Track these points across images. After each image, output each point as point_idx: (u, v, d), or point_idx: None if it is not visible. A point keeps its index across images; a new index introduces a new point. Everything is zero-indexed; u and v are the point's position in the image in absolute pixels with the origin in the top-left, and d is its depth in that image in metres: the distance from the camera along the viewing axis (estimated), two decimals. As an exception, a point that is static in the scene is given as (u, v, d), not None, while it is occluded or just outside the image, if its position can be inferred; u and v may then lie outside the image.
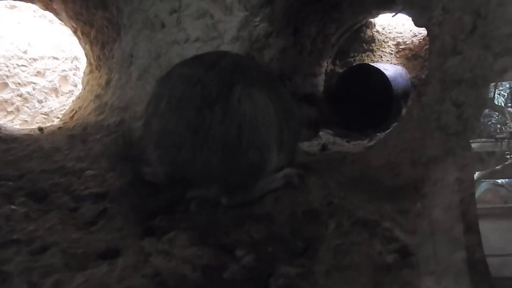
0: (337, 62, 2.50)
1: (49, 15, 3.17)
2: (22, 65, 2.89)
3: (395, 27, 2.59)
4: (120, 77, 2.01)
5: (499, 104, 2.56)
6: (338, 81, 2.36)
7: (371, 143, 1.82)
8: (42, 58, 2.98)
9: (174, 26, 1.80)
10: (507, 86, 2.61)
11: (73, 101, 3.00)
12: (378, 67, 2.22)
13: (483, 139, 1.90)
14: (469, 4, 1.02)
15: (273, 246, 0.98)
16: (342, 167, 1.42)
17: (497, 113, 2.35)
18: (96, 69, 2.33)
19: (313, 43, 2.26)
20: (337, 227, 0.99)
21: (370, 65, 2.29)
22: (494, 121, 2.30)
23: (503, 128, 2.37)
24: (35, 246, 0.89)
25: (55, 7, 2.26)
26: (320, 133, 2.10)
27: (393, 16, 2.03)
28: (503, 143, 2.26)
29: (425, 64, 2.31)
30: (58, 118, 2.96)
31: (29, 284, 0.74)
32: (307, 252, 0.97)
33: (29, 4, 3.04)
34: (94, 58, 2.33)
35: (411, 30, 2.53)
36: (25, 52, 2.92)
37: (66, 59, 3.09)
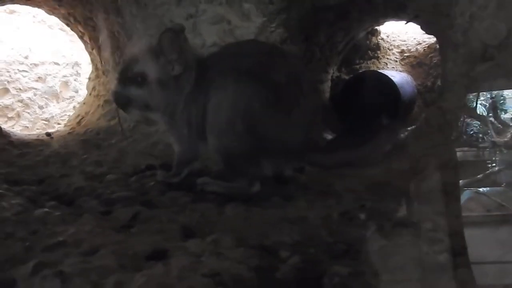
0: (343, 69, 2.53)
1: (49, 20, 3.16)
2: (23, 71, 2.86)
3: (399, 35, 2.64)
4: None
5: (481, 114, 2.64)
6: (344, 87, 2.39)
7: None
8: (43, 63, 2.96)
9: (190, 31, 1.80)
10: (488, 96, 2.70)
11: (74, 106, 2.99)
12: (385, 74, 2.26)
13: (465, 148, 1.94)
14: (501, 12, 1.05)
15: (314, 248, 0.99)
16: (365, 171, 1.44)
17: (478, 123, 2.42)
18: (104, 74, 2.32)
19: (322, 50, 2.29)
20: (378, 229, 1.00)
21: (377, 71, 2.33)
22: (476, 131, 2.36)
23: (485, 137, 2.43)
24: (83, 248, 0.87)
25: (62, 12, 2.25)
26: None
27: (405, 23, 2.07)
28: (485, 152, 2.33)
29: (430, 72, 2.36)
30: (58, 124, 2.93)
31: (92, 284, 0.73)
32: (348, 254, 0.97)
33: (29, 9, 3.04)
34: (101, 63, 2.32)
35: (414, 38, 2.59)
36: (26, 57, 2.89)
37: (67, 64, 3.07)
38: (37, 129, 2.86)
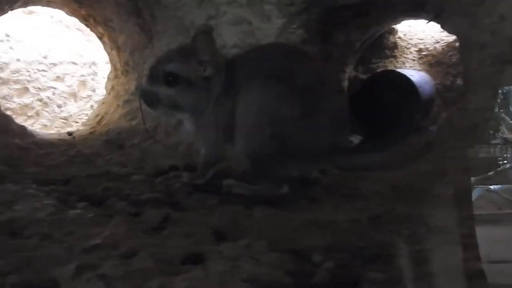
0: (359, 68, 2.53)
1: (66, 20, 3.19)
2: (43, 70, 2.89)
3: (416, 34, 2.63)
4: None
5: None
6: (362, 87, 2.39)
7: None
8: (61, 63, 3.00)
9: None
10: (499, 92, 2.68)
11: (92, 106, 3.02)
12: (404, 73, 2.26)
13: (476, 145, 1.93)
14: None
15: (346, 252, 0.99)
16: (388, 174, 1.44)
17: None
18: (123, 74, 2.34)
19: (339, 50, 2.29)
20: (411, 234, 1.01)
21: (396, 71, 2.32)
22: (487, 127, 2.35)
23: (496, 134, 2.42)
24: (121, 251, 0.89)
25: (83, 13, 2.27)
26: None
27: (427, 23, 2.06)
28: (496, 148, 2.31)
29: (449, 71, 2.35)
30: (76, 122, 2.97)
31: (137, 286, 0.75)
32: (381, 259, 0.98)
33: (47, 10, 3.07)
34: (120, 64, 2.34)
35: (432, 37, 2.58)
36: (45, 57, 2.93)
37: (85, 64, 3.10)
38: (56, 127, 2.90)
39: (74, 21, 3.16)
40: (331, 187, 1.38)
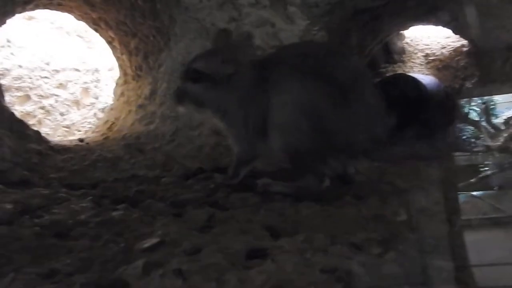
0: (369, 72, 2.55)
1: (66, 26, 3.14)
2: (45, 77, 2.83)
3: (422, 39, 2.68)
4: (168, 86, 2.00)
5: (473, 119, 2.68)
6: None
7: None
8: (64, 70, 2.93)
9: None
10: (479, 101, 2.75)
11: (95, 113, 2.96)
12: (415, 77, 2.28)
13: (458, 153, 1.97)
14: None
15: (402, 244, 0.99)
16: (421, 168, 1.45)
17: (471, 127, 2.47)
18: (134, 79, 2.31)
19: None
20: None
21: (407, 75, 2.35)
22: (469, 135, 2.40)
23: (477, 142, 2.48)
24: (185, 247, 0.86)
25: (94, 16, 2.23)
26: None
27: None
28: (477, 156, 2.37)
29: (457, 74, 2.39)
30: (79, 131, 2.90)
31: (216, 282, 0.72)
32: (437, 249, 0.98)
33: (47, 15, 3.02)
34: (131, 68, 2.31)
35: (438, 42, 2.62)
36: (47, 63, 2.86)
37: (87, 71, 3.04)
38: (58, 136, 2.82)
39: (74, 28, 3.13)
40: (370, 183, 1.38)
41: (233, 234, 1.00)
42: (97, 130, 2.40)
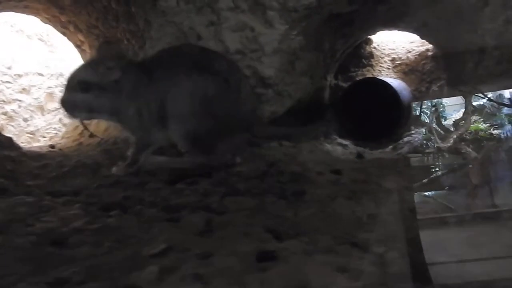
0: (339, 77, 2.61)
1: (27, 30, 3.02)
2: (7, 82, 2.70)
3: (388, 44, 2.77)
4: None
5: (425, 121, 2.83)
6: (344, 94, 2.47)
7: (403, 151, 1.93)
8: (27, 74, 2.81)
9: (212, 38, 1.81)
10: (430, 104, 2.91)
11: (60, 119, 2.85)
12: (385, 80, 2.36)
13: (411, 154, 2.08)
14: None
15: (400, 243, 1.03)
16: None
17: (423, 129, 2.61)
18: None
19: (324, 58, 2.36)
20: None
21: (376, 78, 2.43)
22: (421, 137, 2.54)
23: (428, 143, 2.62)
24: (194, 252, 0.86)
25: (63, 19, 2.17)
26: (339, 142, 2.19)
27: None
28: (429, 157, 2.50)
29: (423, 77, 2.49)
30: (44, 137, 2.79)
31: (238, 284, 0.72)
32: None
33: (6, 18, 2.89)
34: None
35: (403, 47, 2.72)
36: (9, 68, 2.73)
37: (52, 75, 2.93)
38: (22, 142, 2.70)
39: (36, 31, 3.02)
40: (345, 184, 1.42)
41: (237, 238, 1.00)
42: (67, 136, 2.32)
